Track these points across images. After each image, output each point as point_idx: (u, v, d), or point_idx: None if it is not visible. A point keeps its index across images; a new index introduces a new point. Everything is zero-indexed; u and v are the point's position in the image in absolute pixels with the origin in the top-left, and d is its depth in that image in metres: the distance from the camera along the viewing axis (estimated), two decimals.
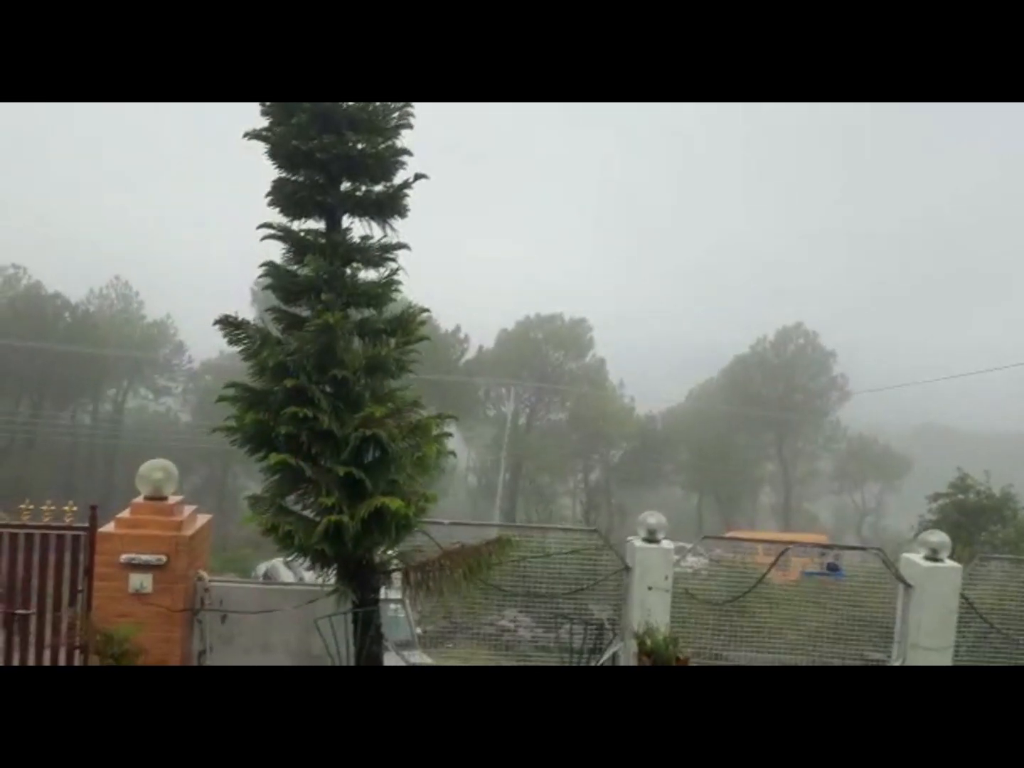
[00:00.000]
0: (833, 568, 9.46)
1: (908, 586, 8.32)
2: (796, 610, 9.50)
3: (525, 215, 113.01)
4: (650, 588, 8.10)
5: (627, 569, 8.35)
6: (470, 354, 56.44)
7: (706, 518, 56.93)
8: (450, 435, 7.53)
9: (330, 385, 6.41)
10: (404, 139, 6.73)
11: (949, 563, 8.33)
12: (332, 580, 6.62)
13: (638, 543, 8.32)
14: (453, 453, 7.77)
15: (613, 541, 9.04)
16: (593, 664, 8.16)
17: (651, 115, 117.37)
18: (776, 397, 59.89)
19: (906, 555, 8.63)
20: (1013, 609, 8.86)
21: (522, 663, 8.84)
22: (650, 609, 7.99)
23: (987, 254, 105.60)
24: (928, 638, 8.15)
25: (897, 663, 8.37)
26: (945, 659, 8.13)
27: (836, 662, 8.65)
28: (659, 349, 73.24)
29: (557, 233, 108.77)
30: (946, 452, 37.49)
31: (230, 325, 6.54)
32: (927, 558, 8.33)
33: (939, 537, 8.49)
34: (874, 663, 8.55)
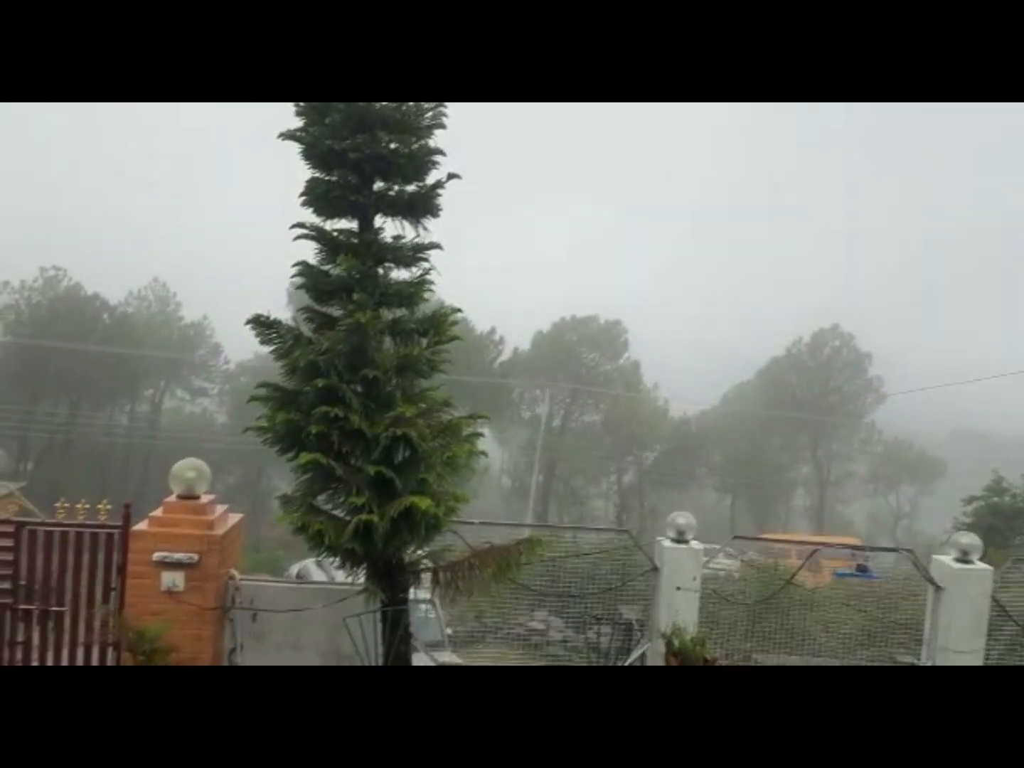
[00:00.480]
0: (863, 569, 9.36)
1: (938, 588, 8.20)
2: (827, 612, 9.41)
3: (563, 215, 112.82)
4: (679, 588, 8.08)
5: (655, 569, 8.33)
6: (505, 355, 56.61)
7: (738, 520, 56.43)
8: (481, 435, 7.56)
9: (361, 385, 6.46)
10: (438, 139, 6.78)
11: (980, 565, 8.19)
12: (362, 579, 6.68)
13: (667, 543, 8.30)
14: (484, 453, 7.78)
15: (645, 542, 9.03)
16: (621, 664, 8.15)
17: (688, 115, 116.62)
18: (811, 399, 59.25)
19: (937, 557, 8.51)
20: None
21: (552, 664, 8.86)
22: (678, 610, 7.97)
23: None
24: (958, 641, 8.01)
25: (927, 665, 8.25)
26: (975, 663, 7.99)
27: (865, 665, 8.55)
28: (695, 351, 72.80)
29: (594, 234, 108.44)
30: (981, 455, 36.80)
31: (262, 325, 6.63)
32: (958, 560, 8.20)
33: (970, 539, 8.36)
34: (903, 666, 8.44)
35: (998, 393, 48.70)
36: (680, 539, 8.30)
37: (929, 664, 8.23)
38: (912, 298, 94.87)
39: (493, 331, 55.84)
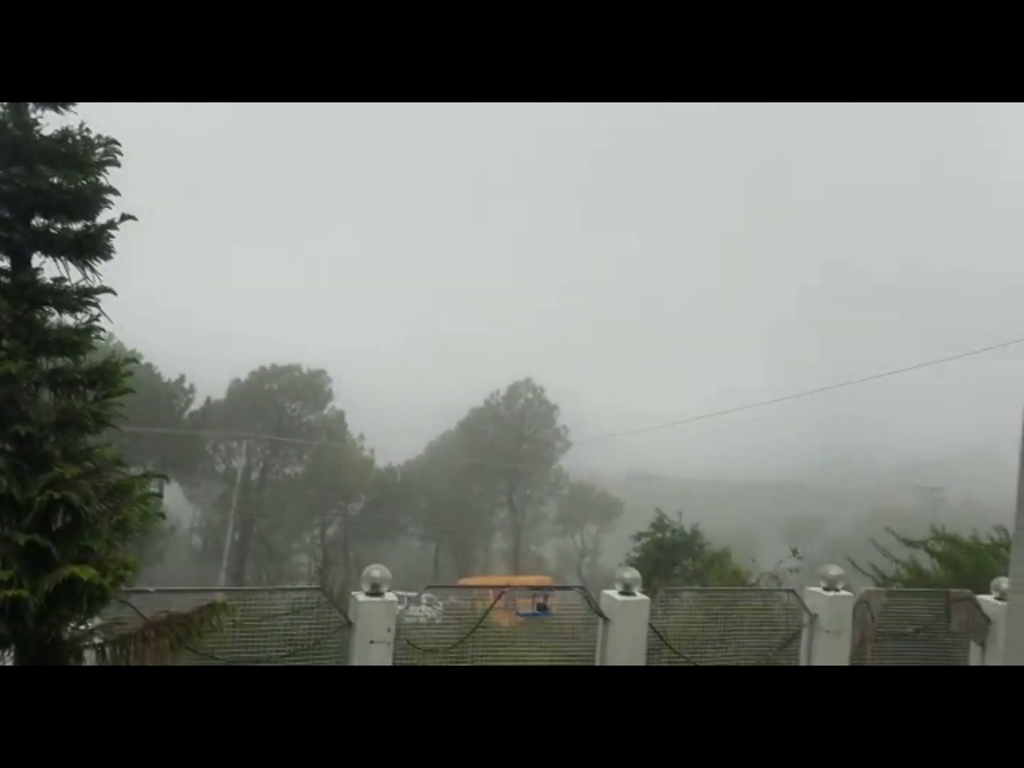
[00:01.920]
0: (542, 608, 10.03)
1: (606, 620, 9.05)
2: (518, 651, 9.92)
3: (266, 261, 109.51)
4: (372, 642, 8.09)
5: (349, 624, 8.27)
6: (196, 405, 53.25)
7: (442, 566, 57.76)
8: (157, 495, 7.05)
9: (11, 443, 5.77)
10: (111, 177, 6.32)
11: (639, 596, 9.17)
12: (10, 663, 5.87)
13: (361, 597, 8.29)
14: (162, 515, 7.28)
15: (350, 595, 8.94)
16: None
17: (392, 160, 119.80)
18: (508, 448, 62.77)
19: (605, 591, 9.39)
20: (697, 634, 9.95)
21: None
22: (371, 663, 7.97)
23: (688, 318, 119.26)
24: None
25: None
26: None
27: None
28: (400, 401, 73.82)
29: (295, 279, 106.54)
30: (650, 495, 41.50)
31: None
32: (622, 593, 9.11)
33: (630, 573, 9.36)
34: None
35: (662, 438, 55.40)
36: (375, 592, 8.32)
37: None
38: (592, 356, 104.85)
39: (183, 379, 52.41)
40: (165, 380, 50.57)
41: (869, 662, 10.15)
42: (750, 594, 11.95)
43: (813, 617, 9.82)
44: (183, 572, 47.38)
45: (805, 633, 9.90)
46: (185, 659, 7.91)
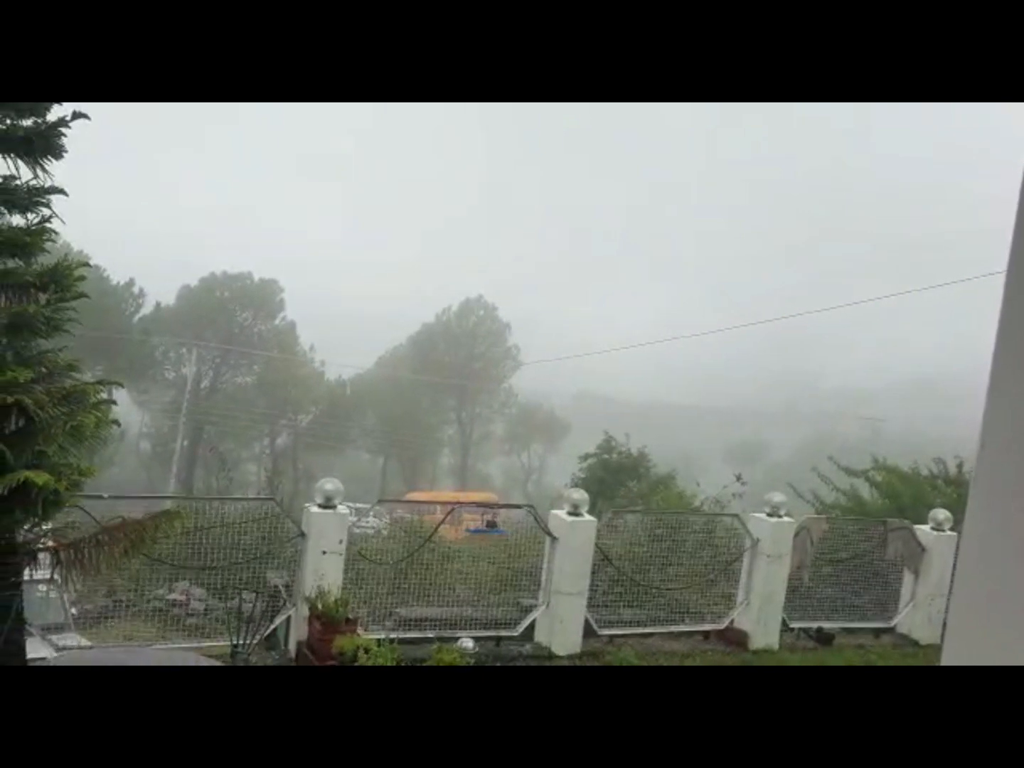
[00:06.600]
0: (492, 525, 10.28)
1: (554, 539, 9.34)
2: (465, 565, 10.21)
3: (220, 167, 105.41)
4: (324, 552, 8.26)
5: (303, 535, 8.41)
6: (146, 310, 52.02)
7: (389, 480, 58.32)
8: (113, 403, 6.98)
9: None
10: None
11: (587, 517, 9.46)
12: None
13: (314, 509, 8.42)
14: (116, 423, 7.22)
15: (299, 506, 9.02)
16: (263, 628, 8.17)
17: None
18: (458, 364, 62.78)
19: (554, 511, 9.65)
20: (641, 554, 10.33)
21: (191, 635, 8.60)
22: (323, 573, 8.16)
23: (645, 241, 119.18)
24: (567, 584, 9.20)
25: (543, 607, 9.37)
26: (581, 602, 9.27)
27: (497, 609, 9.48)
28: (351, 314, 72.97)
29: (251, 190, 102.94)
30: (598, 417, 42.04)
31: None
32: (570, 513, 9.38)
33: (579, 494, 9.61)
34: (527, 607, 9.48)
35: (613, 361, 56.05)
36: (328, 504, 8.45)
37: (544, 605, 9.32)
38: (548, 273, 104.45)
39: (132, 283, 50.99)
40: (114, 283, 49.18)
41: (805, 584, 10.70)
42: (694, 517, 12.36)
43: (756, 541, 10.25)
44: (132, 477, 47.13)
45: (747, 556, 10.33)
46: (136, 563, 8.03)
